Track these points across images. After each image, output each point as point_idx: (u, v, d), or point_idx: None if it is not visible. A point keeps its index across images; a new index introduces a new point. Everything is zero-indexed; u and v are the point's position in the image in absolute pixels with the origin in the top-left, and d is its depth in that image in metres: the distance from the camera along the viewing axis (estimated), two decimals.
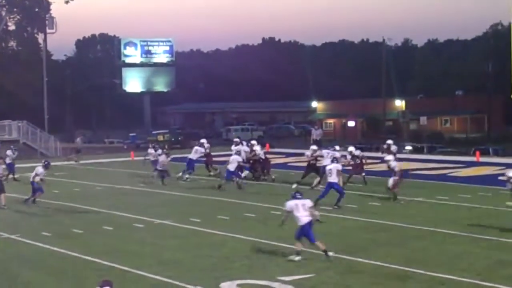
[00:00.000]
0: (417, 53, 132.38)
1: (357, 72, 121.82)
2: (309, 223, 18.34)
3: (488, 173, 36.40)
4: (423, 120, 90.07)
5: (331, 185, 26.07)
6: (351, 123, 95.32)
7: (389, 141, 37.37)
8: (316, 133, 49.03)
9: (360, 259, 18.59)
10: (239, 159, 32.48)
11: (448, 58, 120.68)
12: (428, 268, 17.48)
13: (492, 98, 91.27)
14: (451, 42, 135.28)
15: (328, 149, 33.13)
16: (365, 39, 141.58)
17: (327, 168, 26.87)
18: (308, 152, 33.16)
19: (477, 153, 45.43)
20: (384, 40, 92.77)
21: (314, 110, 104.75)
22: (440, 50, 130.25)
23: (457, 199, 28.27)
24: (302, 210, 18.34)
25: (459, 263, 18.08)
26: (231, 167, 31.85)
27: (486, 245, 20.01)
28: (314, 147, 34.07)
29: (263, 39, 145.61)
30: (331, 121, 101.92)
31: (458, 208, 26.65)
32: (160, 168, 34.30)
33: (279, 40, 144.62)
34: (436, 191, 30.56)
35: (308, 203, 18.63)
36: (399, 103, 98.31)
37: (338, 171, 26.23)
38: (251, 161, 34.85)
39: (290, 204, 18.58)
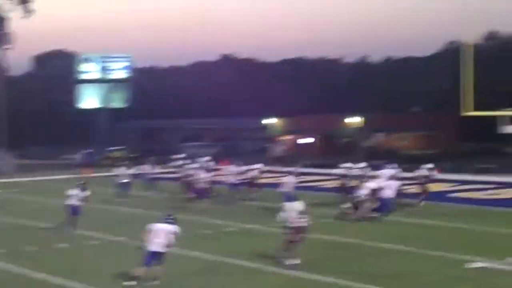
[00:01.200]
0: (374, 70, 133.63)
1: (315, 89, 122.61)
2: (157, 253, 17.42)
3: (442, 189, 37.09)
4: (379, 136, 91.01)
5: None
6: (308, 140, 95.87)
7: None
8: (276, 150, 49.13)
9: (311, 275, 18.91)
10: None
11: (405, 75, 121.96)
12: (377, 284, 17.79)
13: (447, 115, 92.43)
14: (408, 59, 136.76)
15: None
16: (322, 56, 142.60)
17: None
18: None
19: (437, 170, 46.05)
20: (341, 57, 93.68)
21: (272, 126, 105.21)
22: (397, 67, 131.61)
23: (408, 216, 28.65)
24: (160, 235, 17.52)
25: (402, 281, 18.43)
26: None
27: (432, 264, 20.35)
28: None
29: (221, 55, 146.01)
30: (288, 137, 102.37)
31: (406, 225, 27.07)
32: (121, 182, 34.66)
33: (237, 56, 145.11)
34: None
35: (172, 230, 17.64)
36: (356, 120, 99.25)
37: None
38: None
39: (152, 226, 17.78)
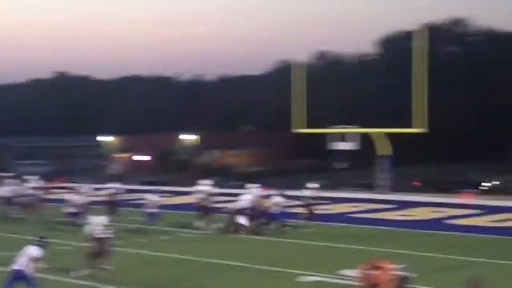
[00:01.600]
0: (209, 88, 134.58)
1: (150, 107, 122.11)
2: (20, 272, 16.71)
3: None
4: (214, 154, 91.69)
5: None
6: (144, 157, 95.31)
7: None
8: (112, 168, 48.35)
9: None
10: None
11: (238, 93, 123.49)
12: None
13: (279, 133, 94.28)
14: (242, 77, 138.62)
15: None
16: (157, 74, 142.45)
17: None
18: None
19: (266, 187, 46.65)
20: (175, 75, 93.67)
21: (108, 144, 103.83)
22: (231, 85, 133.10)
23: None
24: (24, 256, 16.93)
25: None
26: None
27: (265, 276, 20.50)
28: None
29: (54, 73, 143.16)
30: (123, 155, 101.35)
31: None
32: None
33: (70, 74, 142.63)
34: None
35: (34, 253, 16.94)
36: (192, 138, 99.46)
37: None
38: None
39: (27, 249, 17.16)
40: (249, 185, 33.12)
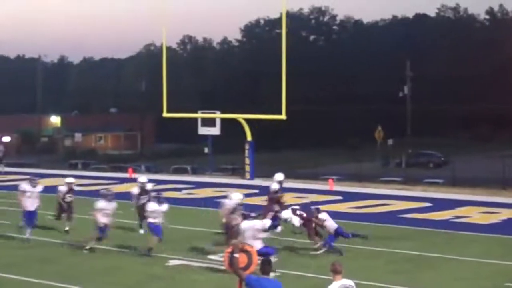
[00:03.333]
0: (72, 70, 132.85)
1: (12, 87, 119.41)
2: None
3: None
4: (78, 136, 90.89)
5: None
6: (6, 139, 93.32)
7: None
8: None
9: (13, 276, 18.97)
10: None
11: (103, 76, 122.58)
12: (81, 284, 18.27)
13: (144, 116, 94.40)
14: (106, 60, 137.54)
15: None
16: (21, 55, 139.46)
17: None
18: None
19: (130, 169, 47.05)
20: (40, 56, 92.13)
21: None
22: (95, 68, 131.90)
23: None
24: None
25: (110, 278, 19.09)
26: None
27: (137, 260, 21.16)
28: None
29: None
30: None
31: None
32: None
33: None
34: (89, 207, 31.25)
35: None
36: (55, 119, 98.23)
37: None
38: None
39: None
40: None
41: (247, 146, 41.30)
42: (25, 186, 24.08)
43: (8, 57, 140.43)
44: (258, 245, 18.45)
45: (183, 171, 55.62)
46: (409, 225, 27.66)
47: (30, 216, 23.65)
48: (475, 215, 29.67)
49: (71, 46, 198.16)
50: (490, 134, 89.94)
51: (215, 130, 45.24)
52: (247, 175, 41.17)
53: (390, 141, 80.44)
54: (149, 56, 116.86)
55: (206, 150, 51.33)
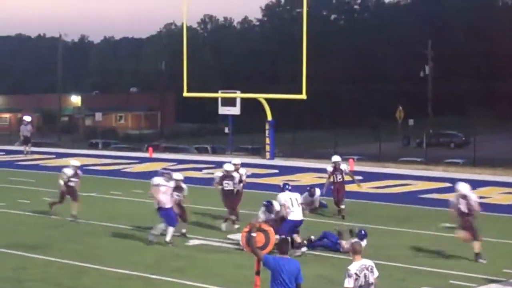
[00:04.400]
0: (93, 49, 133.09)
1: (34, 67, 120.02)
2: None
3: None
4: (99, 116, 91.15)
5: None
6: (27, 118, 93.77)
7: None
8: (25, 129, 46.22)
9: (35, 255, 19.06)
10: None
11: (123, 55, 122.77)
12: (102, 263, 18.35)
13: (165, 96, 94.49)
14: (127, 40, 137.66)
15: None
16: (42, 34, 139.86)
17: None
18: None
19: (150, 149, 47.03)
20: (60, 35, 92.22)
21: None
22: (115, 47, 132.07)
23: (130, 195, 29.35)
24: None
25: (131, 258, 19.17)
26: None
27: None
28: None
29: None
30: (6, 115, 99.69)
31: (131, 203, 27.80)
32: None
33: None
34: (110, 186, 31.47)
35: None
36: (75, 99, 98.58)
37: None
38: None
39: None
40: None
41: (267, 126, 41.16)
42: (158, 180, 20.77)
43: (29, 36, 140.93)
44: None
45: (203, 151, 55.76)
46: (429, 205, 27.57)
47: (170, 214, 20.59)
48: (495, 196, 29.50)
49: (92, 25, 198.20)
50: None
51: (235, 110, 45.06)
52: (267, 155, 41.07)
53: (411, 121, 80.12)
54: (169, 36, 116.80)
55: (226, 130, 51.25)
